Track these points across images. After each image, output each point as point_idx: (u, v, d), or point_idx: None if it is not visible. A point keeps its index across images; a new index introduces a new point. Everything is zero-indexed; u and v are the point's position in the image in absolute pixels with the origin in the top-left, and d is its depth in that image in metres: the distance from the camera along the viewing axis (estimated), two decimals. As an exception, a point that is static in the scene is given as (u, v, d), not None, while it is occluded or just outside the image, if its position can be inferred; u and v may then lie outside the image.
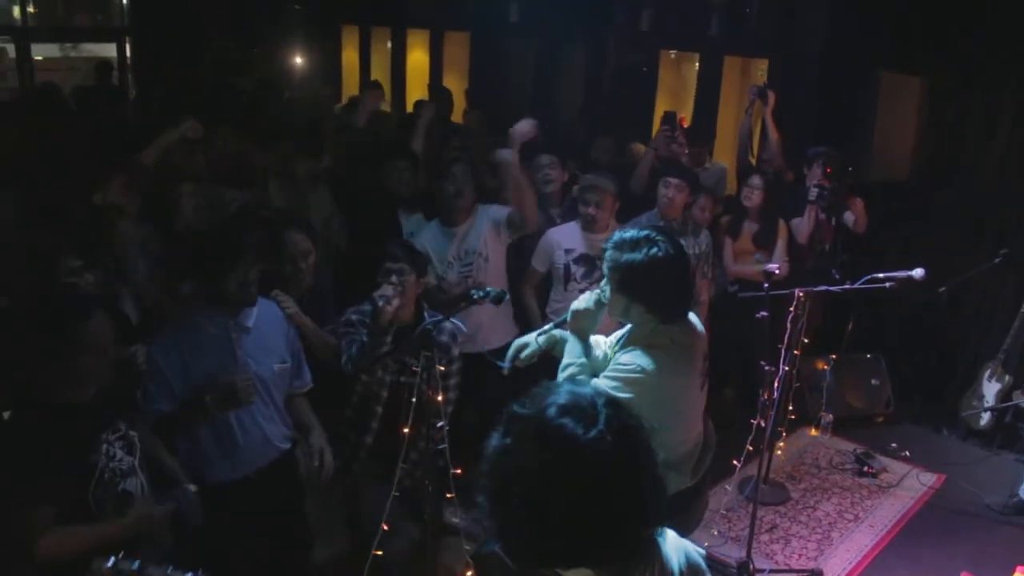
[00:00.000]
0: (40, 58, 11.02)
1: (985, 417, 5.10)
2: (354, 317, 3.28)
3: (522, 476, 1.30)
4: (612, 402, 1.37)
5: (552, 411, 1.33)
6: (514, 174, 3.97)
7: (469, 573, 3.18)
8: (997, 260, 5.05)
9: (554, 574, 1.37)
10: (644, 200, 4.80)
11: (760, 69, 6.98)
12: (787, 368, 3.84)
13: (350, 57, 10.79)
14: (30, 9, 10.83)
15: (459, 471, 2.96)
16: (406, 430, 2.98)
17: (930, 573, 3.97)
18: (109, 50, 11.28)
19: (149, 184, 4.08)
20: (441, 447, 2.99)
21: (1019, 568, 3.72)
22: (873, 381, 5.47)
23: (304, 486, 3.28)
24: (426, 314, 3.28)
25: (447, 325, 3.32)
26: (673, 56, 7.70)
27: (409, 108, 8.57)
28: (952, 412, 5.35)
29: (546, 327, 2.86)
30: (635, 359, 2.49)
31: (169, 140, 4.15)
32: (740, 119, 5.96)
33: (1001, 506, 4.49)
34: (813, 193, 4.93)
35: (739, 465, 3.93)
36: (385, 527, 3.01)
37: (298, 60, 10.47)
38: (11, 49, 10.71)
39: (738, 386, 5.37)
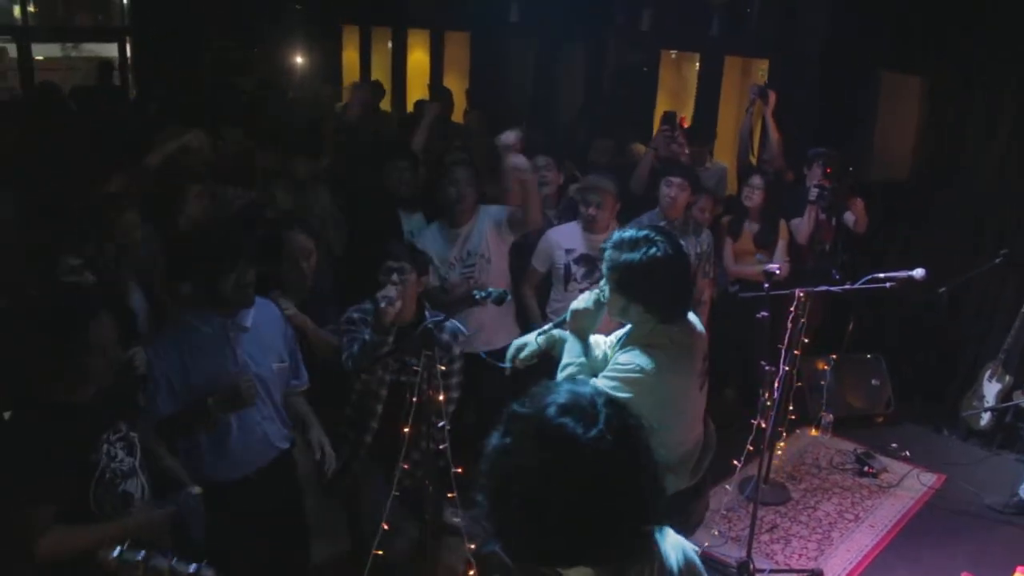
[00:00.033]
0: (41, 58, 11.03)
1: (985, 417, 5.10)
2: (356, 315, 3.28)
3: (522, 475, 1.30)
4: (612, 402, 1.37)
5: (552, 410, 1.33)
6: (517, 167, 3.97)
7: (472, 572, 3.18)
8: (997, 260, 5.05)
9: (555, 573, 1.37)
10: (644, 200, 4.80)
11: (761, 69, 6.99)
12: (787, 368, 3.84)
13: (351, 57, 10.79)
14: (31, 9, 10.84)
15: (459, 470, 2.96)
16: (406, 430, 2.98)
17: (930, 573, 3.97)
18: (109, 50, 11.30)
19: (150, 183, 4.08)
20: (442, 446, 2.99)
21: (1019, 568, 3.72)
22: (873, 381, 5.47)
23: (302, 486, 3.28)
24: (427, 313, 3.28)
25: (448, 324, 3.33)
26: (673, 56, 7.70)
27: (410, 108, 8.58)
28: (952, 412, 5.35)
29: (546, 327, 2.86)
30: (634, 359, 2.49)
31: (172, 148, 4.16)
32: (740, 119, 5.96)
33: (1002, 505, 4.48)
34: (813, 193, 4.94)
35: (739, 465, 3.93)
36: (385, 526, 3.01)
37: (299, 60, 10.47)
38: (12, 49, 10.72)
39: (738, 386, 5.37)
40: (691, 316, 2.68)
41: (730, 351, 4.95)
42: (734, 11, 6.69)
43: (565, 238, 4.27)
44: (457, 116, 7.43)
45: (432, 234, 4.14)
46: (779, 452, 4.75)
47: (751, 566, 3.72)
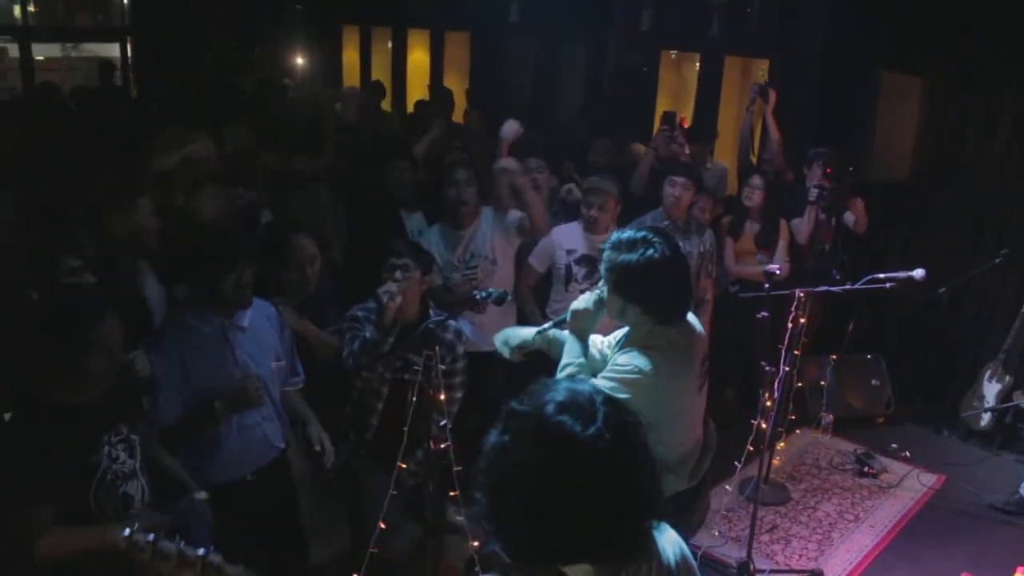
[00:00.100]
0: (41, 58, 11.03)
1: (985, 418, 5.10)
2: (359, 313, 3.29)
3: (520, 473, 1.30)
4: (610, 400, 1.37)
5: (550, 408, 1.33)
6: (518, 183, 3.99)
7: (476, 569, 3.18)
8: (997, 260, 5.05)
9: (555, 570, 1.37)
10: (644, 200, 4.80)
11: (761, 69, 6.99)
12: (787, 368, 3.84)
13: (351, 57, 10.79)
14: (31, 9, 10.84)
15: (459, 468, 2.97)
16: (405, 429, 2.98)
17: (930, 573, 3.97)
18: (109, 50, 11.30)
19: (151, 184, 4.08)
20: (443, 445, 3.00)
21: (1019, 569, 3.72)
22: (873, 381, 5.46)
23: (297, 486, 3.28)
24: (431, 312, 3.29)
25: (452, 324, 3.33)
26: (674, 56, 7.70)
27: (410, 108, 8.59)
28: (952, 413, 5.35)
29: (544, 326, 2.87)
30: (632, 360, 2.49)
31: (178, 158, 4.17)
32: (741, 119, 5.96)
33: (1003, 503, 4.48)
34: (813, 193, 4.93)
35: (739, 466, 3.93)
36: (382, 525, 3.01)
37: (299, 60, 10.47)
38: (13, 49, 10.72)
39: (739, 386, 5.36)
40: (690, 317, 2.67)
41: (730, 351, 4.96)
42: (734, 11, 6.69)
43: (566, 238, 4.27)
44: (457, 116, 7.43)
45: (434, 236, 4.14)
46: (779, 450, 4.75)
47: (751, 566, 3.72)
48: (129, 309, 2.96)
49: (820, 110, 5.82)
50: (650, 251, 2.46)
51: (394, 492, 3.02)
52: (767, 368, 3.86)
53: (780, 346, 3.83)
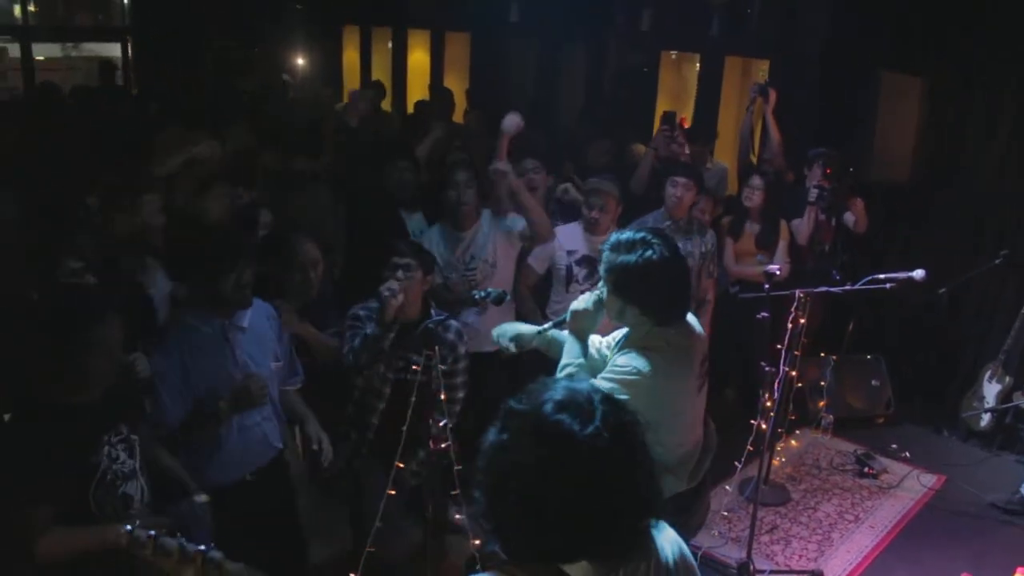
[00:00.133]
0: (41, 58, 11.03)
1: (985, 418, 5.10)
2: (361, 312, 3.30)
3: (519, 472, 1.31)
4: (608, 399, 1.38)
5: (549, 407, 1.33)
6: (513, 185, 3.99)
7: (477, 567, 3.19)
8: (997, 261, 5.05)
9: (553, 568, 1.37)
10: (645, 201, 4.79)
11: (761, 69, 6.99)
12: (787, 369, 3.84)
13: (351, 57, 10.79)
14: (31, 8, 10.84)
15: (459, 467, 2.97)
16: (404, 428, 2.98)
17: (930, 574, 3.97)
18: (109, 50, 11.30)
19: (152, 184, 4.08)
20: (444, 445, 3.00)
21: (1019, 569, 3.72)
22: (873, 382, 5.46)
23: (296, 486, 3.28)
24: (433, 312, 3.29)
25: (453, 324, 3.33)
26: (674, 57, 7.70)
27: (410, 108, 8.58)
28: (952, 413, 5.35)
29: (544, 326, 2.87)
30: (631, 361, 2.49)
31: (180, 160, 4.17)
32: (741, 119, 5.96)
33: (1005, 502, 4.48)
34: (813, 194, 4.93)
35: (739, 466, 3.93)
36: (379, 524, 3.02)
37: (299, 60, 10.47)
38: (13, 49, 10.72)
39: (739, 387, 5.36)
40: (690, 318, 2.68)
41: (730, 352, 4.96)
42: (734, 11, 6.69)
43: (567, 239, 4.27)
44: (457, 116, 7.43)
45: (434, 236, 4.14)
46: (779, 450, 4.75)
47: (751, 567, 3.72)
48: (131, 309, 2.96)
49: (820, 110, 5.82)
50: (649, 252, 2.46)
51: (392, 492, 3.02)
52: (767, 368, 3.86)
53: (780, 346, 3.83)
